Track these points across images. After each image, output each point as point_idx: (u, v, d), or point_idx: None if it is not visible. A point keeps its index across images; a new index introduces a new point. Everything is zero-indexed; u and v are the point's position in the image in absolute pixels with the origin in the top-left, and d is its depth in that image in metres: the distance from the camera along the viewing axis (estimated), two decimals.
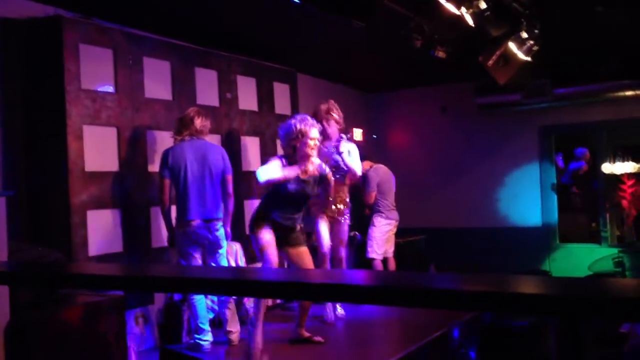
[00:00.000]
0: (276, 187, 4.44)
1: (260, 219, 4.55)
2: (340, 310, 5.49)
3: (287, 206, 4.52)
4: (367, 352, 4.78)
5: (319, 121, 5.16)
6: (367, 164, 6.62)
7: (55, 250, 3.87)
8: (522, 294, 1.16)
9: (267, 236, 4.48)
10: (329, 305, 5.34)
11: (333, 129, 5.32)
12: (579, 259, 7.57)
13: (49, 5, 4.59)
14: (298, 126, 4.44)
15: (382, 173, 6.60)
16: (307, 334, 4.75)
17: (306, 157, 4.47)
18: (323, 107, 5.34)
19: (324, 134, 5.25)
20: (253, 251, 5.69)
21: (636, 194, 7.51)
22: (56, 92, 4.41)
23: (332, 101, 5.42)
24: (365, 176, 6.48)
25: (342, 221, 5.40)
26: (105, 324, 3.65)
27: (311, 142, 4.45)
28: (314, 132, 4.46)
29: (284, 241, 4.57)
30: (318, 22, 5.48)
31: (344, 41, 6.15)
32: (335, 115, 5.34)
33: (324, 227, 5.20)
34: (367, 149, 7.88)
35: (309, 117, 4.57)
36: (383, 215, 6.46)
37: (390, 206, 6.50)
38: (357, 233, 6.86)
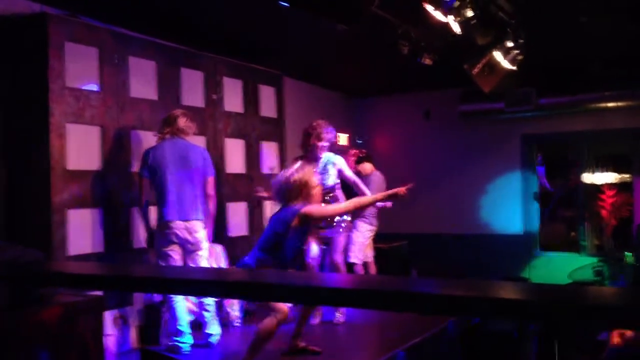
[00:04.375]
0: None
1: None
2: (338, 314, 5.50)
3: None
4: (348, 356, 4.77)
5: (318, 134, 5.14)
6: (370, 167, 6.62)
7: (35, 249, 3.82)
8: (502, 299, 1.17)
9: None
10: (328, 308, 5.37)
11: (321, 150, 5.21)
12: (559, 268, 7.64)
13: (35, 2, 4.55)
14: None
15: (380, 181, 6.61)
16: (302, 344, 4.58)
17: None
18: (318, 127, 5.19)
19: (309, 153, 5.21)
20: (235, 254, 5.68)
21: (616, 204, 7.60)
22: (40, 90, 4.36)
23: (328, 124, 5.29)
24: (367, 179, 6.44)
25: (337, 234, 5.33)
26: (83, 324, 3.61)
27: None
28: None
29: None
30: (305, 25, 5.49)
31: (331, 46, 6.17)
32: (327, 137, 5.22)
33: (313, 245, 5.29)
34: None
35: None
36: (367, 220, 6.46)
37: (374, 213, 6.51)
38: None
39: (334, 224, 5.26)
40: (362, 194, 5.27)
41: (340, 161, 5.29)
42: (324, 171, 5.17)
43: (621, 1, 5.12)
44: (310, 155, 5.21)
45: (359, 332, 5.36)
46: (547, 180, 8.73)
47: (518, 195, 8.21)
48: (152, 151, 4.65)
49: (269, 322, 4.05)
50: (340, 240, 5.40)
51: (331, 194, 5.22)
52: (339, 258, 5.43)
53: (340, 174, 5.25)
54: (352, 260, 6.39)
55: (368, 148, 8.93)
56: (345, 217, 5.30)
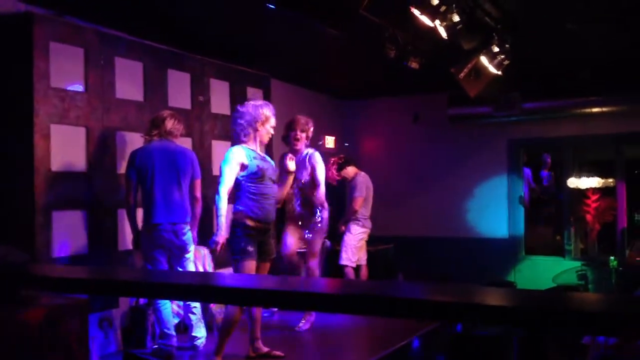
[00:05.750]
0: (250, 177, 4.29)
1: (246, 236, 4.27)
2: (302, 322, 5.39)
3: (266, 190, 4.36)
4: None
5: (294, 130, 5.13)
6: (353, 170, 6.62)
7: (19, 250, 3.78)
8: (487, 305, 1.18)
9: (251, 268, 4.30)
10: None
11: (302, 143, 5.17)
12: (544, 271, 7.69)
13: (20, 1, 4.51)
14: (266, 111, 4.41)
15: (365, 180, 6.62)
16: (265, 349, 4.56)
17: (263, 144, 4.50)
18: (302, 119, 5.17)
19: (291, 145, 5.17)
20: (221, 256, 5.65)
21: (600, 208, 7.66)
22: (24, 90, 4.33)
23: (309, 118, 5.27)
24: (353, 182, 6.47)
25: (312, 230, 5.23)
26: (68, 327, 3.58)
27: (271, 130, 4.48)
28: (274, 120, 4.48)
29: (259, 250, 4.36)
30: (293, 28, 5.50)
31: (319, 48, 6.17)
32: (310, 131, 5.21)
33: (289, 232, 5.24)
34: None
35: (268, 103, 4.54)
36: (359, 223, 6.46)
37: (366, 215, 6.52)
38: (326, 240, 6.84)
39: (311, 224, 5.19)
40: (318, 199, 5.17)
41: (317, 158, 5.16)
42: (303, 165, 5.12)
43: (607, 9, 5.17)
44: (291, 148, 5.19)
45: (343, 335, 5.36)
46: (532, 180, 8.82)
47: (504, 200, 8.25)
48: (140, 153, 4.62)
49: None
50: (316, 242, 5.25)
51: (308, 188, 5.15)
52: (313, 263, 5.27)
53: (312, 170, 5.11)
54: (344, 262, 6.37)
55: (356, 151, 8.96)
56: (319, 217, 5.20)
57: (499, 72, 5.52)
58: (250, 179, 4.30)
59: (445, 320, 4.83)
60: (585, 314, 1.14)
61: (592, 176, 7.73)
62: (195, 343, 4.75)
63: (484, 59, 5.35)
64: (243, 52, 6.22)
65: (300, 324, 5.37)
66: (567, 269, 7.44)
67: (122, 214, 4.84)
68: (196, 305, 4.78)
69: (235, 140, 4.48)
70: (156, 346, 4.66)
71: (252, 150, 4.37)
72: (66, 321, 3.58)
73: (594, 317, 1.13)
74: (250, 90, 6.50)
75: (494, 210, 8.26)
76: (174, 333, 4.63)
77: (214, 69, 6.01)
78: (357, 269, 6.53)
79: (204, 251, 5.40)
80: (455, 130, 8.33)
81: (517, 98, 7.49)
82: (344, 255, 6.40)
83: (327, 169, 5.50)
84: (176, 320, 4.91)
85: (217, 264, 5.64)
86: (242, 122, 4.38)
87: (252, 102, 4.49)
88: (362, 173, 6.66)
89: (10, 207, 4.43)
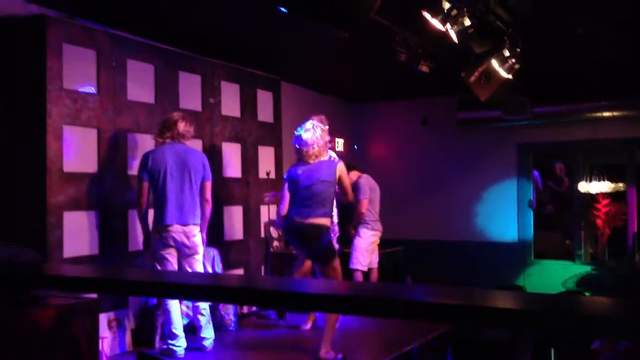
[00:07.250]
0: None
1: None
2: None
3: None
4: None
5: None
6: (355, 173, 6.61)
7: (30, 250, 3.81)
8: (496, 308, 1.18)
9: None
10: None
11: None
12: (553, 276, 7.66)
13: (33, 4, 4.55)
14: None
15: (370, 183, 6.61)
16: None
17: None
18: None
19: None
20: (230, 258, 5.65)
21: (610, 213, 7.62)
22: (37, 91, 4.37)
23: (323, 116, 5.15)
24: (356, 185, 6.43)
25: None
26: (78, 327, 3.60)
27: None
28: None
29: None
30: (303, 31, 5.50)
31: (329, 51, 6.18)
32: (326, 131, 5.20)
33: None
34: (349, 158, 7.91)
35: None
36: (369, 226, 6.44)
37: (375, 217, 6.50)
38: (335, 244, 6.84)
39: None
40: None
41: (341, 166, 5.05)
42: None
43: (617, 12, 5.15)
44: None
45: (352, 338, 5.36)
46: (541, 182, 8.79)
47: (513, 204, 8.22)
48: (152, 154, 4.65)
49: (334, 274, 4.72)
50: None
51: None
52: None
53: (339, 179, 4.96)
54: (355, 266, 6.34)
55: (365, 154, 8.96)
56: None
57: (510, 76, 5.50)
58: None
59: (454, 324, 4.82)
60: (594, 318, 1.14)
61: (603, 180, 7.68)
62: (203, 344, 4.77)
63: (494, 63, 5.33)
64: (253, 54, 6.24)
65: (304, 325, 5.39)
66: (577, 274, 7.40)
67: (133, 215, 4.87)
68: (205, 307, 4.80)
69: (325, 154, 4.87)
70: (165, 346, 4.68)
71: None
72: (76, 321, 3.60)
73: (603, 321, 1.13)
74: (261, 93, 6.52)
75: (503, 214, 8.23)
76: (182, 333, 4.65)
77: (224, 72, 6.03)
78: (367, 272, 6.52)
79: (213, 252, 5.42)
80: (465, 134, 8.32)
81: (527, 102, 7.46)
82: (354, 259, 6.38)
83: None
84: (185, 321, 4.93)
85: (226, 265, 5.66)
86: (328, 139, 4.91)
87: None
88: (365, 175, 6.63)
89: (22, 207, 4.46)
